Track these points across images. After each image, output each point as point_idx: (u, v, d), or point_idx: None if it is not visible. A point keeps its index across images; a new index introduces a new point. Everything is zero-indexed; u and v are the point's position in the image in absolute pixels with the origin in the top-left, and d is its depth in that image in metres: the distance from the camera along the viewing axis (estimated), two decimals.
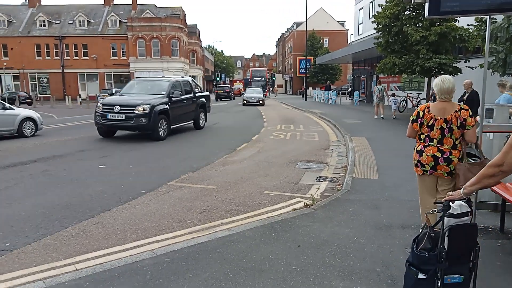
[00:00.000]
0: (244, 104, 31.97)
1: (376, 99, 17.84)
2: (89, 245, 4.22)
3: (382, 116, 17.26)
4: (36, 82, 47.87)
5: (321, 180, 7.04)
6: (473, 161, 3.68)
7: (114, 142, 11.51)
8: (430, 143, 3.75)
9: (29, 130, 12.89)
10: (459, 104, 3.79)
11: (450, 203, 2.45)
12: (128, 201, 5.77)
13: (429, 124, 3.73)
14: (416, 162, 3.86)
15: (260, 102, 32.03)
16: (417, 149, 3.84)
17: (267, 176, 7.32)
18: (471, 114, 3.70)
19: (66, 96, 35.71)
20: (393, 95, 20.18)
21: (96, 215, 5.16)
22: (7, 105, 13.06)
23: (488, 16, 4.60)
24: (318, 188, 6.47)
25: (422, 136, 3.81)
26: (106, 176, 7.34)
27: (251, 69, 57.75)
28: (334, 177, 7.24)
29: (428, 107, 3.79)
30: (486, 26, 4.51)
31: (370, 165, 7.81)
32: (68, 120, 19.00)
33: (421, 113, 3.78)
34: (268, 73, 65.22)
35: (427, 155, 3.74)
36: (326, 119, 18.13)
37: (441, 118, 3.68)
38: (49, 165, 8.28)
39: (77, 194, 6.13)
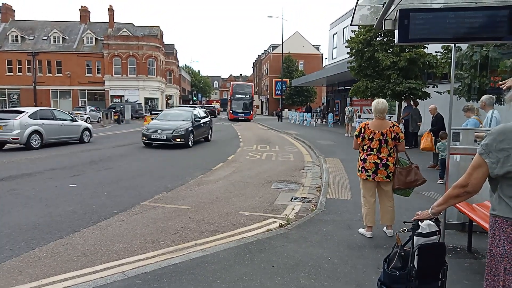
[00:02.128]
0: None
1: (346, 119, 20.82)
2: (57, 267, 4.07)
3: (349, 134, 19.52)
4: (6, 98, 46.47)
5: (296, 200, 7.09)
6: (403, 166, 4.72)
7: (86, 161, 11.25)
8: (371, 152, 4.77)
9: (86, 138, 16.88)
10: (391, 121, 4.92)
11: (419, 223, 2.53)
12: (99, 221, 5.62)
13: (370, 137, 4.75)
14: (360, 168, 4.86)
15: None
16: (361, 158, 4.86)
17: (243, 196, 7.31)
18: (402, 130, 4.86)
19: None
20: (359, 116, 22.99)
21: (65, 236, 5.00)
22: (74, 117, 17.23)
23: (453, 45, 4.88)
24: (293, 209, 6.51)
25: (365, 147, 4.82)
26: (76, 195, 7.14)
27: (232, 83, 46.00)
28: (308, 198, 7.30)
29: (368, 124, 4.82)
30: (452, 53, 4.76)
31: (344, 186, 7.93)
32: None
33: (363, 129, 4.82)
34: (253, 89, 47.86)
35: (370, 162, 4.75)
36: (301, 140, 18.35)
37: (378, 132, 4.71)
38: (17, 183, 7.99)
39: (45, 214, 5.92)
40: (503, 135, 1.90)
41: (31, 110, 14.68)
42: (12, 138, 13.41)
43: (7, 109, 16.95)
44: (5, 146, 14.15)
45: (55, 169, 9.86)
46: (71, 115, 17.27)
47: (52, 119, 15.15)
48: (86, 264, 4.14)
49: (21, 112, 14.19)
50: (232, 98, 42.16)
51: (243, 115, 40.74)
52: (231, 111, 41.30)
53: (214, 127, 29.83)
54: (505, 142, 1.88)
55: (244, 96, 41.80)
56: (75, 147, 15.02)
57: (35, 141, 13.99)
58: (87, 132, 16.93)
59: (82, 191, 7.50)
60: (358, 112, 24.65)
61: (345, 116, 21.13)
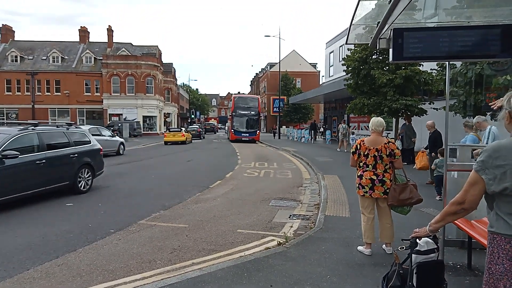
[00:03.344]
0: None
1: (341, 135, 21.37)
2: None
3: (345, 150, 20.16)
4: (5, 117, 46.49)
5: (294, 218, 7.04)
6: (400, 183, 4.73)
7: None
8: (367, 169, 4.79)
9: (121, 151, 20.08)
10: (387, 138, 4.99)
11: (417, 240, 2.52)
12: (95, 240, 5.56)
13: (365, 153, 4.78)
14: (358, 185, 4.89)
15: None
16: (358, 174, 4.89)
17: (241, 214, 7.26)
18: (397, 147, 4.88)
19: None
20: (353, 133, 23.99)
21: (61, 255, 4.93)
22: (113, 134, 20.43)
23: (447, 62, 4.95)
24: (291, 226, 6.46)
25: (361, 164, 4.85)
26: (73, 214, 7.08)
27: (234, 95, 37.56)
28: (307, 215, 7.26)
29: (363, 141, 4.86)
30: (446, 71, 4.83)
31: (342, 203, 7.89)
32: None
33: (358, 146, 4.86)
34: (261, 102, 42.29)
35: (366, 178, 4.77)
36: (299, 157, 18.35)
37: (373, 148, 4.74)
38: (12, 203, 7.92)
39: (41, 233, 5.86)
40: (498, 152, 1.91)
41: (85, 127, 16.02)
42: None
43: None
44: None
45: None
46: (111, 132, 21.00)
47: (99, 135, 18.02)
48: (81, 285, 4.08)
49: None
50: (233, 114, 34.20)
51: (247, 135, 33.22)
52: (232, 130, 33.86)
53: (212, 145, 30.13)
54: (500, 159, 1.89)
55: (248, 111, 33.99)
56: None
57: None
58: (121, 146, 20.39)
59: (79, 210, 7.44)
60: (352, 129, 25.77)
61: (339, 133, 21.78)
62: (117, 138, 20.75)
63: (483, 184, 1.96)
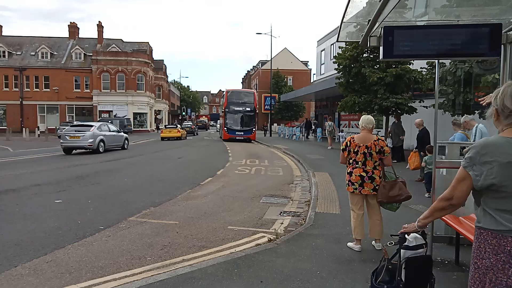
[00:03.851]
0: None
1: (327, 133, 22.14)
2: (39, 284, 3.97)
3: (330, 146, 21.02)
4: None
5: (285, 214, 7.07)
6: (389, 180, 4.78)
7: (73, 176, 11.09)
8: (356, 166, 4.85)
9: (126, 146, 21.63)
10: (376, 135, 4.98)
11: (406, 236, 2.54)
12: (84, 237, 5.52)
13: (355, 150, 4.84)
14: (347, 182, 4.95)
15: None
16: (348, 171, 4.94)
17: (231, 211, 7.26)
18: (387, 144, 4.97)
19: (24, 129, 34.23)
20: (342, 131, 24.54)
21: (49, 252, 4.89)
22: (119, 130, 22.58)
23: (437, 61, 5.00)
24: (282, 223, 6.48)
25: (351, 161, 4.92)
26: (62, 211, 7.02)
27: (227, 89, 33.11)
28: (297, 212, 7.28)
29: (353, 138, 4.92)
30: (436, 69, 4.88)
31: (333, 200, 7.94)
32: (24, 153, 18.16)
33: (348, 143, 4.92)
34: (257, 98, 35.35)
35: (356, 175, 4.83)
36: (290, 155, 18.40)
37: (363, 145, 4.80)
38: (0, 199, 7.82)
39: (29, 230, 5.80)
40: (486, 149, 1.94)
41: (97, 124, 20.00)
42: (88, 145, 18.10)
43: (80, 123, 21.55)
44: (73, 151, 18.62)
45: (40, 184, 9.70)
46: (118, 128, 22.84)
47: (108, 131, 20.10)
48: (70, 281, 4.05)
49: (91, 126, 19.18)
50: (226, 110, 30.56)
51: (241, 133, 30.17)
52: (225, 129, 30.47)
53: (203, 142, 30.10)
54: (487, 155, 1.92)
55: (243, 107, 30.68)
56: (70, 159, 14.83)
57: (101, 147, 18.85)
58: (126, 141, 21.78)
59: (68, 206, 7.37)
60: (343, 127, 26.46)
61: (326, 130, 22.39)
62: (122, 134, 22.04)
63: (470, 180, 1.99)
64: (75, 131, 18.45)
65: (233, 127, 30.21)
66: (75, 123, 24.73)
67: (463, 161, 2.05)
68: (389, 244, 2.66)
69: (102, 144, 18.87)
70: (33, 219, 6.41)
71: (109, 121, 27.93)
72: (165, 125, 42.57)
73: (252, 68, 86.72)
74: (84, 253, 4.91)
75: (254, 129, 30.77)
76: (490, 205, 1.96)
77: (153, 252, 4.99)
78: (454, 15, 5.06)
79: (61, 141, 18.49)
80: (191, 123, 50.81)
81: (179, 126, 37.76)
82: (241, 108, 30.66)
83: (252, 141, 29.75)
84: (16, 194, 8.51)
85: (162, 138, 31.95)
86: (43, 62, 46.76)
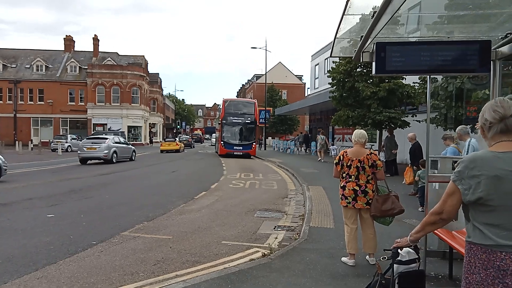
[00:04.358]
0: None
1: (319, 146, 22.49)
2: None
3: (320, 159, 21.58)
4: None
5: (279, 229, 7.04)
6: (382, 194, 4.79)
7: (66, 190, 10.99)
8: (349, 179, 4.87)
9: (134, 157, 23.55)
10: (369, 149, 5.06)
11: (399, 250, 2.55)
12: (76, 252, 5.45)
13: (348, 164, 4.87)
14: (341, 195, 4.96)
15: None
16: (341, 185, 4.96)
17: (225, 225, 7.22)
18: (380, 158, 4.99)
19: (17, 142, 33.96)
20: (332, 144, 25.26)
21: (41, 268, 4.81)
22: (128, 142, 25.57)
23: (428, 76, 5.09)
24: (276, 237, 6.45)
25: (344, 175, 4.94)
26: (54, 226, 6.94)
27: (225, 99, 29.90)
28: (292, 226, 7.26)
29: (346, 152, 4.96)
30: (428, 84, 4.96)
31: (327, 214, 7.93)
32: (17, 167, 17.97)
33: (341, 157, 4.96)
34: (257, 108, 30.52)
35: (349, 189, 4.84)
36: (284, 168, 18.40)
37: (356, 159, 4.83)
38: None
39: (20, 245, 5.72)
40: (474, 163, 1.97)
41: (111, 137, 22.44)
42: (103, 156, 20.12)
43: (96, 136, 24.82)
44: (87, 162, 20.54)
45: (32, 198, 9.59)
46: (126, 141, 25.73)
47: (118, 143, 22.01)
48: None
49: (106, 138, 21.63)
50: (223, 122, 27.59)
51: (240, 148, 26.97)
52: (222, 143, 27.27)
53: (197, 155, 30.06)
54: (475, 169, 1.95)
55: (242, 119, 27.71)
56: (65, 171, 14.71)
57: (114, 158, 20.79)
58: (134, 153, 23.68)
59: (60, 220, 7.29)
60: (337, 140, 27.10)
61: (318, 143, 22.84)
62: (131, 146, 24.21)
63: (459, 194, 2.01)
64: (92, 143, 20.62)
65: (231, 141, 27.17)
66: (91, 135, 28.04)
67: (452, 175, 2.08)
68: (382, 259, 2.66)
69: (115, 155, 20.88)
70: (24, 234, 6.32)
71: (103, 134, 28.94)
72: (164, 139, 46.53)
73: (247, 81, 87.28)
74: (76, 268, 4.84)
75: (254, 144, 27.80)
76: (478, 219, 1.98)
77: (146, 267, 4.93)
78: (445, 31, 5.17)
79: (79, 152, 20.67)
80: (188, 137, 54.33)
81: (177, 139, 40.54)
82: (240, 120, 27.69)
83: (251, 157, 26.94)
84: (7, 208, 8.41)
85: (162, 151, 33.38)
86: (38, 75, 46.73)
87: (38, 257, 5.23)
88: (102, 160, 20.22)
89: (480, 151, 2.05)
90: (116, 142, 21.79)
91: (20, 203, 9.01)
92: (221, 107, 29.01)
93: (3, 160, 12.80)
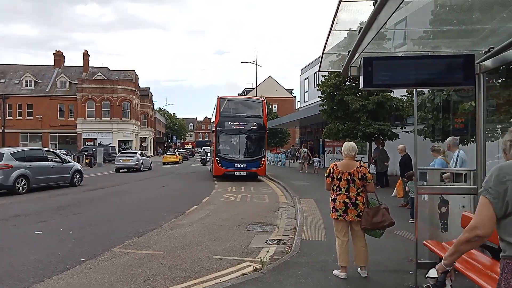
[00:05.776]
0: None
1: (302, 158, 23.57)
2: None
3: (306, 171, 22.64)
4: None
5: (270, 243, 7.01)
6: (372, 206, 4.83)
7: (54, 207, 10.83)
8: (340, 192, 4.90)
9: (142, 168, 27.56)
10: (360, 162, 5.15)
11: (445, 281, 2.45)
12: (65, 270, 5.35)
13: (338, 177, 4.91)
14: (331, 208, 4.98)
15: None
16: (332, 198, 4.99)
17: (217, 240, 7.17)
18: (369, 171, 5.03)
19: None
20: (316, 156, 26.46)
21: (28, 287, 4.72)
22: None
23: (415, 89, 5.20)
24: (268, 251, 6.41)
25: (334, 187, 4.97)
26: (42, 243, 6.82)
27: (219, 97, 19.72)
28: (283, 239, 7.23)
29: (336, 165, 5.01)
30: (414, 97, 5.05)
31: (318, 227, 7.92)
32: None
33: (332, 170, 5.00)
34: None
35: (339, 202, 4.87)
36: (276, 181, 18.38)
37: (346, 172, 4.87)
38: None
39: (7, 264, 5.60)
40: (500, 170, 1.97)
41: (138, 151, 30.27)
42: (135, 165, 26.50)
43: (127, 151, 33.25)
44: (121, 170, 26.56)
45: (20, 215, 9.43)
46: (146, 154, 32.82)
47: (144, 156, 28.84)
48: None
49: (135, 152, 28.91)
50: (219, 129, 19.40)
51: (244, 166, 19.10)
52: (217, 159, 19.19)
53: (189, 169, 29.95)
54: (501, 175, 1.94)
55: (245, 124, 19.44)
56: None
57: (142, 167, 27.09)
58: (151, 164, 29.83)
59: (48, 238, 7.17)
60: (327, 153, 28.16)
61: (301, 156, 23.73)
62: (149, 158, 31.14)
63: (490, 205, 1.96)
64: (126, 156, 27.59)
65: (230, 156, 19.20)
66: (123, 150, 36.66)
67: (481, 188, 2.06)
68: (426, 287, 2.59)
69: (142, 165, 27.28)
70: (11, 252, 6.20)
71: (93, 149, 34.28)
72: (165, 152, 54.54)
73: (237, 95, 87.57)
74: (64, 286, 4.75)
75: (263, 158, 19.55)
76: (509, 231, 1.94)
77: (136, 284, 4.86)
78: (430, 46, 5.29)
79: (115, 162, 27.29)
80: (185, 150, 63.83)
81: (177, 152, 46.88)
82: (242, 126, 19.44)
83: (259, 177, 19.65)
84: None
85: (164, 163, 37.76)
86: (27, 90, 46.44)
87: (25, 275, 5.12)
88: (135, 169, 26.25)
89: (505, 162, 2.05)
90: (142, 156, 28.75)
91: (8, 220, 8.85)
92: (215, 109, 20.42)
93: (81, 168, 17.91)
